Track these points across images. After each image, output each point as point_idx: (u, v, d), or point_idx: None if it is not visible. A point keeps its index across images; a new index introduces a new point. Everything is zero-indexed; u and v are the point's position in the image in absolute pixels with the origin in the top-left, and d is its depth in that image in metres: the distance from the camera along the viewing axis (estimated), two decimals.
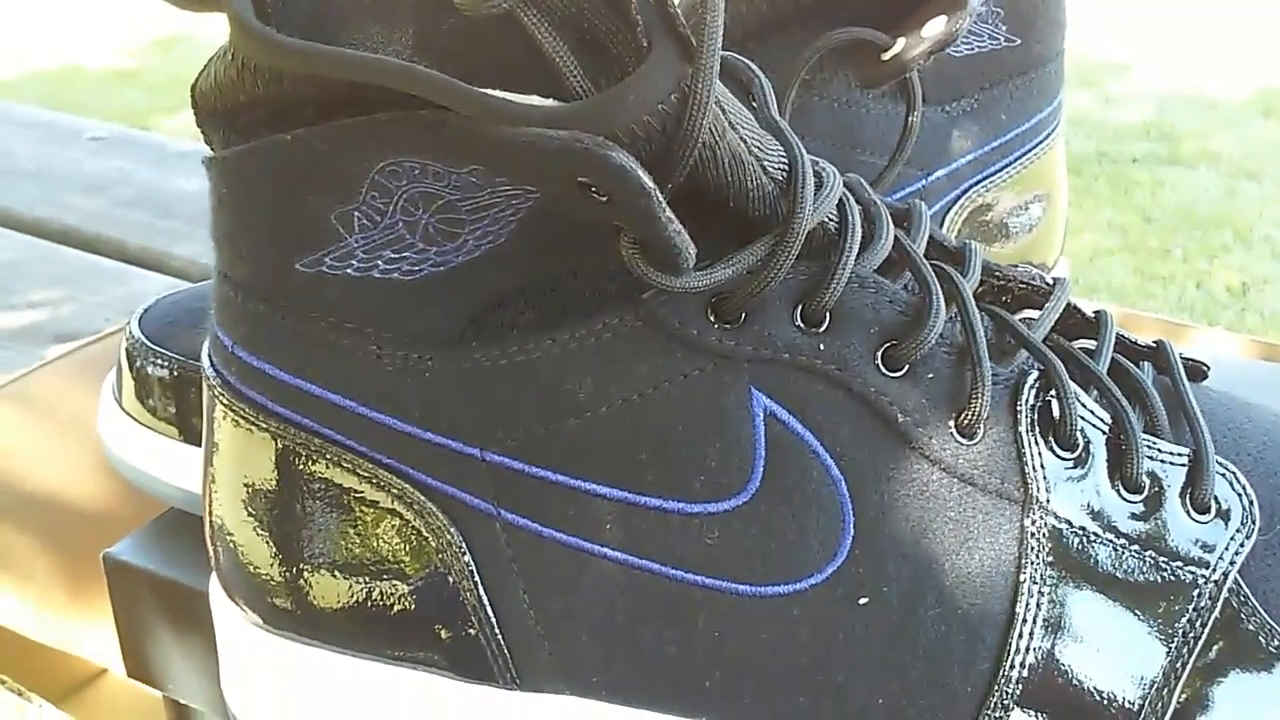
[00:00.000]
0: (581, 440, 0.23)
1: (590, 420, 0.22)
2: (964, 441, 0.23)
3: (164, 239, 0.67)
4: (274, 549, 0.25)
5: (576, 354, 0.22)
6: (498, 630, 0.24)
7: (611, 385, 0.22)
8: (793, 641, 0.23)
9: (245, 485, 0.25)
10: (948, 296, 0.24)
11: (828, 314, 0.23)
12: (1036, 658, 0.23)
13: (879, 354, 0.23)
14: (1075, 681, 0.23)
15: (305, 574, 0.24)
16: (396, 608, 0.24)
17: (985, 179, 0.37)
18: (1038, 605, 0.23)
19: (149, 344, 0.34)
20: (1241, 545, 0.24)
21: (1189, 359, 0.27)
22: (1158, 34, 3.15)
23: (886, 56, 0.32)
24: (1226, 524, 0.24)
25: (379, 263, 0.22)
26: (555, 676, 0.24)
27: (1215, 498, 0.24)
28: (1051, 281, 0.27)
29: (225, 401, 0.24)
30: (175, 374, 0.34)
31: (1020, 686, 0.23)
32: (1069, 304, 0.27)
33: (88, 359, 0.46)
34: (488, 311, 0.23)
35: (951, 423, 0.23)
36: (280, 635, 0.25)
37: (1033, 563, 0.23)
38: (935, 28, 0.31)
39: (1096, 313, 0.27)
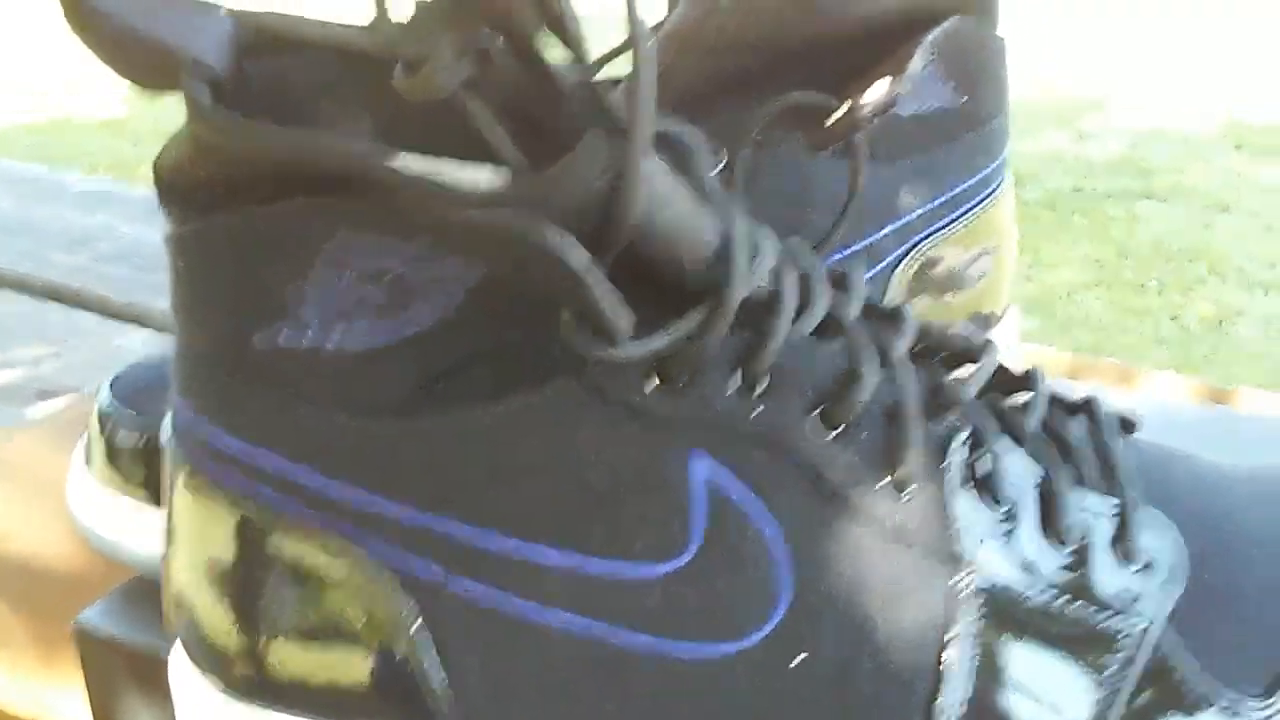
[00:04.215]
0: (528, 506, 0.23)
1: (537, 486, 0.23)
2: (896, 499, 0.24)
3: (147, 293, 0.68)
4: (232, 617, 0.25)
5: (523, 421, 0.23)
6: (450, 695, 0.24)
7: (557, 451, 0.23)
8: (733, 699, 0.24)
9: (204, 554, 0.25)
10: (880, 358, 0.25)
11: (764, 378, 0.24)
12: (968, 709, 0.24)
13: (814, 416, 0.24)
14: None
15: (263, 642, 0.25)
16: (353, 675, 0.25)
17: (933, 234, 0.38)
18: (969, 658, 0.24)
19: (120, 410, 0.35)
20: (1169, 595, 0.25)
21: (1120, 412, 0.28)
22: (1130, 70, 3.20)
23: (832, 119, 0.34)
24: (1155, 574, 0.25)
25: (333, 334, 0.23)
26: None
27: (1143, 548, 0.25)
28: (984, 340, 0.28)
29: (185, 471, 0.25)
30: (145, 441, 0.35)
31: None
32: (1001, 363, 0.28)
33: (62, 424, 0.47)
34: (438, 380, 0.23)
35: (884, 481, 0.24)
36: (241, 701, 0.26)
37: (963, 616, 0.24)
38: (878, 92, 0.32)
39: (1029, 370, 0.28)
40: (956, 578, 0.24)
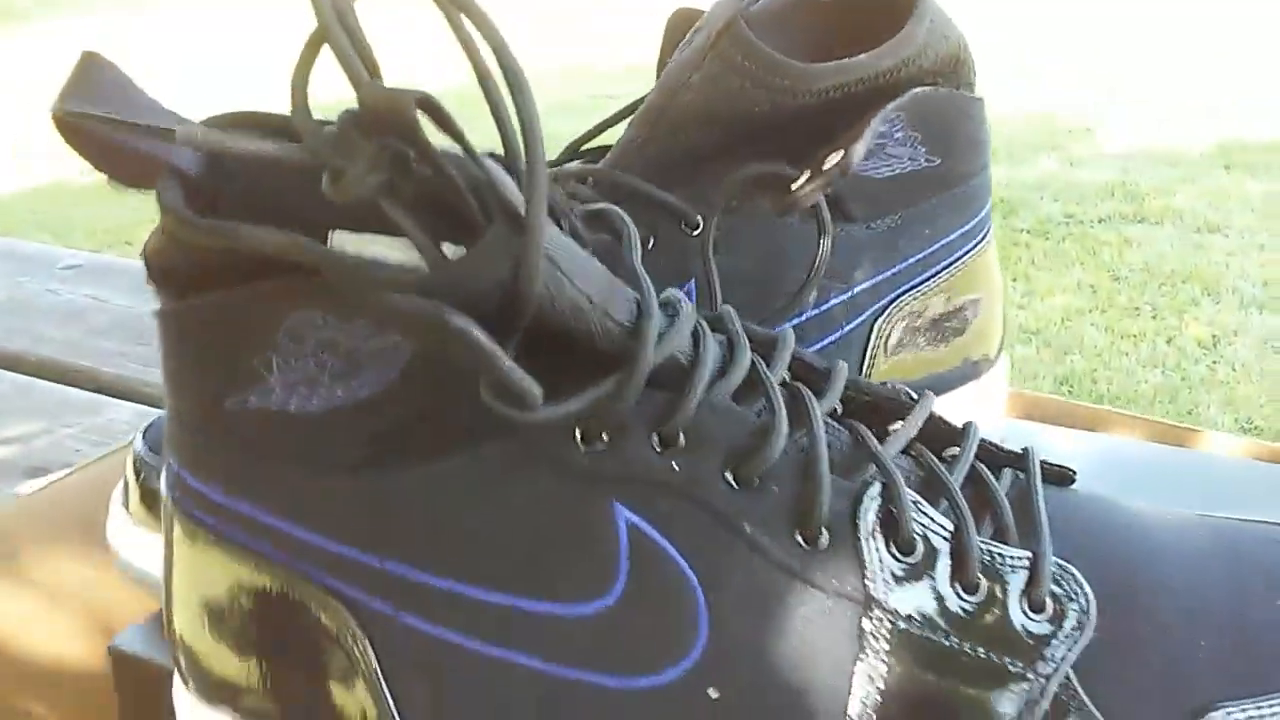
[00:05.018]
0: (467, 551, 0.26)
1: (475, 534, 0.26)
2: (807, 548, 0.26)
3: (136, 366, 0.68)
4: (220, 647, 0.28)
5: (461, 476, 0.26)
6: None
7: (492, 503, 0.26)
8: None
9: (195, 590, 0.28)
10: (799, 416, 0.27)
11: (681, 436, 0.26)
12: None
13: (728, 471, 0.26)
14: None
15: (245, 663, 0.28)
16: (328, 701, 0.27)
17: (912, 289, 0.39)
18: (877, 697, 0.25)
19: (151, 458, 0.39)
20: (1075, 642, 0.26)
21: (1054, 465, 0.30)
22: (1118, 95, 3.14)
23: (795, 187, 0.36)
24: (1061, 622, 0.26)
25: (294, 398, 0.26)
26: None
27: (1052, 596, 0.26)
28: (916, 396, 0.29)
29: (177, 517, 0.28)
30: None
31: None
32: (935, 415, 0.29)
33: (103, 469, 0.50)
34: (386, 439, 0.26)
35: (796, 532, 0.26)
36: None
37: (868, 656, 0.25)
38: (832, 160, 0.34)
39: (965, 424, 0.29)
40: (866, 618, 0.26)
